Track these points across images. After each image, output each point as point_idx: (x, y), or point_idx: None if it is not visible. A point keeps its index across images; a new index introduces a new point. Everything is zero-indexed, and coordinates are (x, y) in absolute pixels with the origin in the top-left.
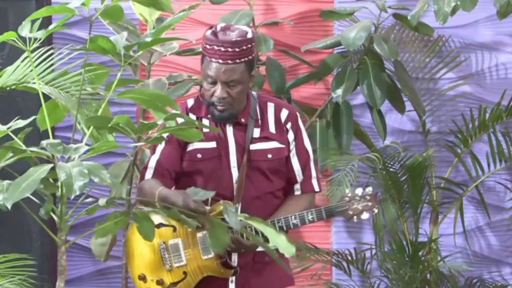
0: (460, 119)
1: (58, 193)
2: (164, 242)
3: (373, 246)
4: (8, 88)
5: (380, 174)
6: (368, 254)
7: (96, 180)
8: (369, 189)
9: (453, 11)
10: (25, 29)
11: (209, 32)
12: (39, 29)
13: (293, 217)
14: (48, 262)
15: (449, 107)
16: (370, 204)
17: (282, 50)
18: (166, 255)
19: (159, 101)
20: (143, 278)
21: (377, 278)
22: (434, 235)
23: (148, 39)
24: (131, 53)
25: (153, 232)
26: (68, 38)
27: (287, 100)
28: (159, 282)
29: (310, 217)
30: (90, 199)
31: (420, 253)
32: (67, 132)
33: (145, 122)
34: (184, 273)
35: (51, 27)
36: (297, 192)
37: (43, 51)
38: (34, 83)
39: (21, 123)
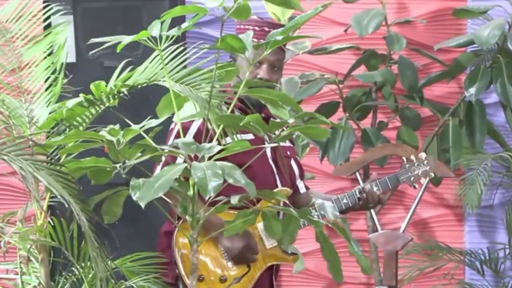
0: None
1: (190, 192)
2: None
3: (507, 246)
4: (139, 86)
5: None
6: (501, 254)
7: (230, 181)
8: (421, 154)
9: None
10: (155, 29)
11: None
12: (170, 28)
13: (357, 191)
14: None
15: None
16: (428, 168)
17: (415, 49)
18: None
19: (284, 103)
20: (202, 279)
21: (511, 278)
22: None
23: (278, 38)
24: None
25: (280, 230)
26: (200, 37)
27: (419, 99)
28: (222, 279)
29: (375, 189)
30: (220, 197)
31: None
32: None
33: (276, 120)
34: (248, 266)
35: (183, 26)
36: (302, 190)
37: (173, 49)
38: (165, 81)
39: (153, 122)
